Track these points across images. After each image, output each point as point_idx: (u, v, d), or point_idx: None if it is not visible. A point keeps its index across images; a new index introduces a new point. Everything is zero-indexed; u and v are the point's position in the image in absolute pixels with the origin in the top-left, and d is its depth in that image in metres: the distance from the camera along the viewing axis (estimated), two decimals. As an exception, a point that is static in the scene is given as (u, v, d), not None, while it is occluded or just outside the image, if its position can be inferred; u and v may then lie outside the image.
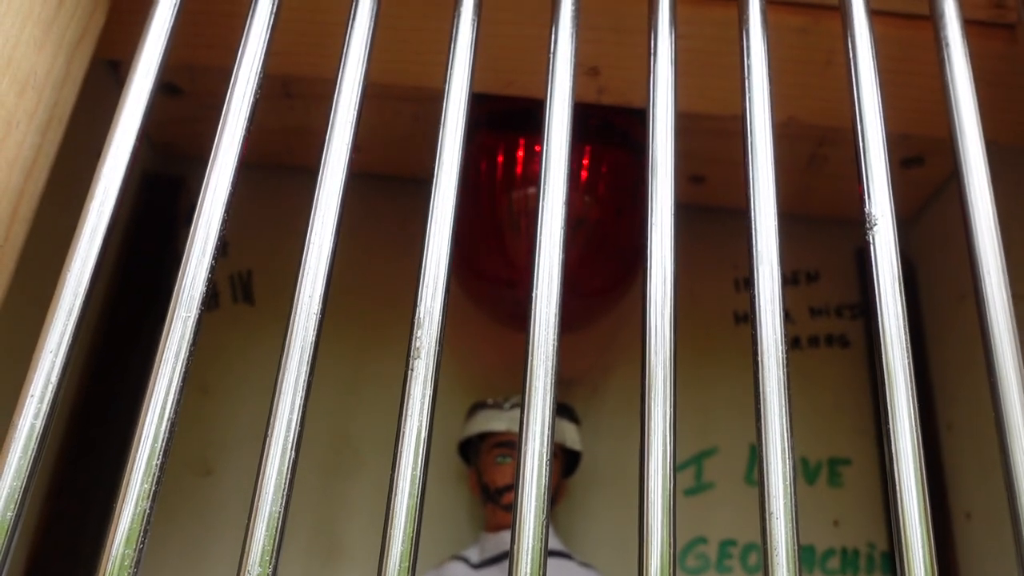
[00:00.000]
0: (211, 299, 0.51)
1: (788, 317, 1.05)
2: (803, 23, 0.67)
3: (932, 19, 0.58)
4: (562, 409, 0.88)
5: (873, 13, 0.65)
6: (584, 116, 0.85)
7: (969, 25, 0.66)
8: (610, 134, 0.84)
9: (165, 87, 0.82)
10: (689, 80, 0.72)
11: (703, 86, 0.72)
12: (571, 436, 0.86)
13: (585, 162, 0.86)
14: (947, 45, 0.57)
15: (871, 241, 0.50)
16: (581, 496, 0.93)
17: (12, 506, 0.38)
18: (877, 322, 0.48)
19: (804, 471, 0.96)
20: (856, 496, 0.96)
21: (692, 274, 0.94)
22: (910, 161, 0.98)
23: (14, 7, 0.48)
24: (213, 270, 0.47)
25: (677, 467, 0.96)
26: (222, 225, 0.49)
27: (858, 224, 1.17)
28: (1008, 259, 0.70)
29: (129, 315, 1.01)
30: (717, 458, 0.97)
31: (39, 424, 0.40)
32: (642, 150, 0.70)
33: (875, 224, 0.50)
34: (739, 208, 0.87)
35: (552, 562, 0.81)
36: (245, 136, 0.50)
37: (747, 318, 1.05)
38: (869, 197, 0.52)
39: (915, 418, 0.44)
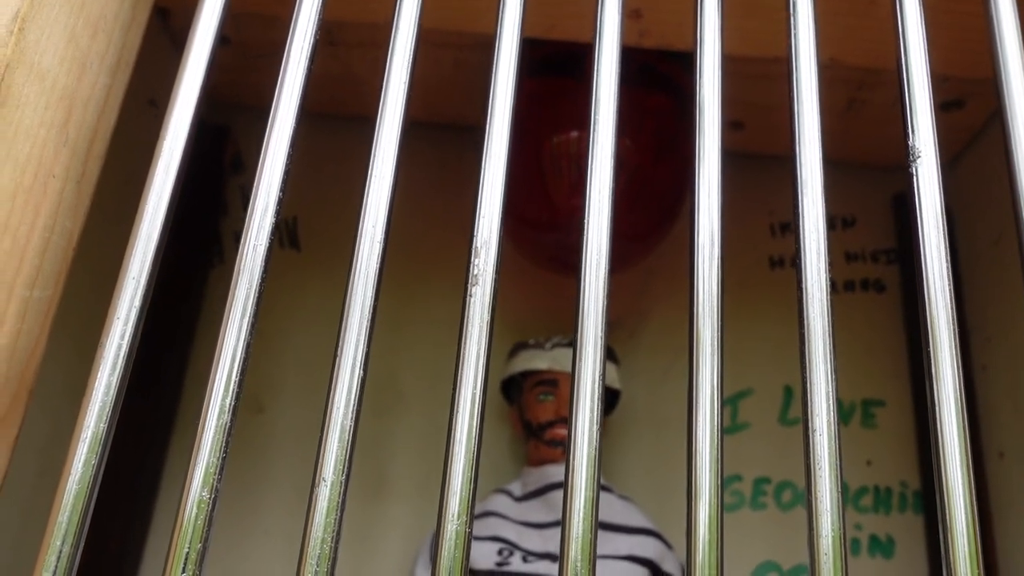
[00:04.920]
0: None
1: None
2: (844, -38, 0.67)
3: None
4: (601, 350, 0.90)
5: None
6: (625, 59, 0.86)
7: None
8: (651, 78, 0.85)
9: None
10: (732, 22, 0.73)
11: (746, 28, 0.73)
12: (611, 375, 0.88)
13: (626, 106, 0.87)
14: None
15: (914, 174, 0.51)
16: (620, 433, 0.96)
17: (104, 418, 0.42)
18: (920, 256, 0.50)
19: (839, 412, 0.98)
20: (889, 436, 0.98)
21: (729, 219, 0.95)
22: (949, 104, 0.98)
23: (86, -49, 0.50)
24: (278, 215, 0.49)
25: (713, 407, 0.98)
26: (285, 172, 0.51)
27: (895, 170, 1.17)
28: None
29: (176, 259, 1.04)
30: (752, 399, 0.99)
31: (125, 344, 0.43)
32: (683, 95, 0.71)
33: (918, 157, 0.51)
34: (777, 154, 0.88)
35: (592, 495, 0.84)
36: (305, 83, 0.52)
37: (783, 263, 1.06)
38: (913, 131, 0.53)
39: (955, 339, 0.46)
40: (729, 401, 0.98)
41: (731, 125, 1.03)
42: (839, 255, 1.07)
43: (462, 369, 0.46)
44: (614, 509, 0.82)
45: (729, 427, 0.97)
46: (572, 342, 0.48)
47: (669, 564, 0.80)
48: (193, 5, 0.68)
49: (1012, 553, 0.87)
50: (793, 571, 0.90)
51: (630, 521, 0.81)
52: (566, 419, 0.52)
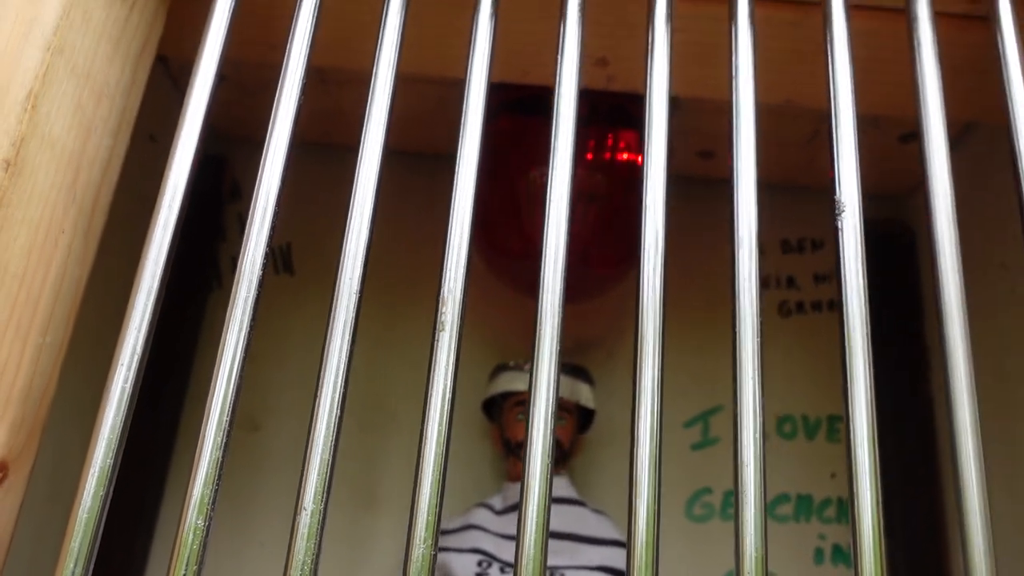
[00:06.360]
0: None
1: (794, 283, 1.12)
2: (794, 18, 0.72)
3: (906, 18, 0.64)
4: (578, 371, 0.96)
5: (857, 8, 0.70)
6: (597, 101, 0.91)
7: (949, 18, 0.72)
8: (620, 117, 0.90)
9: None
10: (689, 69, 0.79)
11: (703, 75, 0.78)
12: (586, 395, 0.93)
13: (597, 143, 0.93)
14: (919, 45, 0.62)
15: (839, 227, 0.57)
16: (597, 450, 1.01)
17: (110, 453, 0.47)
18: (841, 302, 0.55)
19: (804, 427, 1.03)
20: (853, 450, 1.03)
21: (701, 242, 1.01)
22: (907, 136, 1.03)
23: (92, 28, 0.55)
24: (271, 242, 0.55)
25: (685, 423, 1.03)
26: (277, 203, 0.56)
27: (864, 196, 1.21)
28: (989, 224, 0.75)
29: (175, 284, 1.09)
30: (722, 415, 1.04)
31: (128, 387, 0.48)
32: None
33: (843, 211, 0.57)
34: (745, 181, 0.93)
35: (568, 508, 0.89)
36: (295, 123, 0.58)
37: (754, 284, 1.11)
38: (839, 186, 0.58)
39: (871, 394, 0.52)
40: (700, 418, 1.03)
41: (702, 154, 1.08)
42: (808, 276, 1.12)
43: (429, 405, 0.51)
44: (587, 522, 0.88)
45: (700, 442, 1.02)
46: (530, 366, 0.53)
47: (639, 574, 0.85)
48: (188, 53, 0.73)
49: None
50: (760, 579, 0.95)
51: (603, 534, 0.86)
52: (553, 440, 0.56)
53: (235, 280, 0.53)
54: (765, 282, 1.11)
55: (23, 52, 0.49)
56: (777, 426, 1.03)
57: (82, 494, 0.46)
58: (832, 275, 1.13)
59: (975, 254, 0.94)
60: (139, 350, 0.50)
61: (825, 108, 0.82)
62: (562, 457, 0.90)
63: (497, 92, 0.90)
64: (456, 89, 0.90)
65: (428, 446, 0.50)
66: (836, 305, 0.56)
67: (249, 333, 0.52)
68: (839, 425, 1.03)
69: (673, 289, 1.10)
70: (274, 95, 1.08)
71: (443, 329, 0.52)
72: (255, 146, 1.34)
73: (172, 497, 0.98)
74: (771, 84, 0.83)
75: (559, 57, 0.63)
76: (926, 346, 1.02)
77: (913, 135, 1.02)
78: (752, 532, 0.49)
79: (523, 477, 0.49)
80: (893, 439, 1.04)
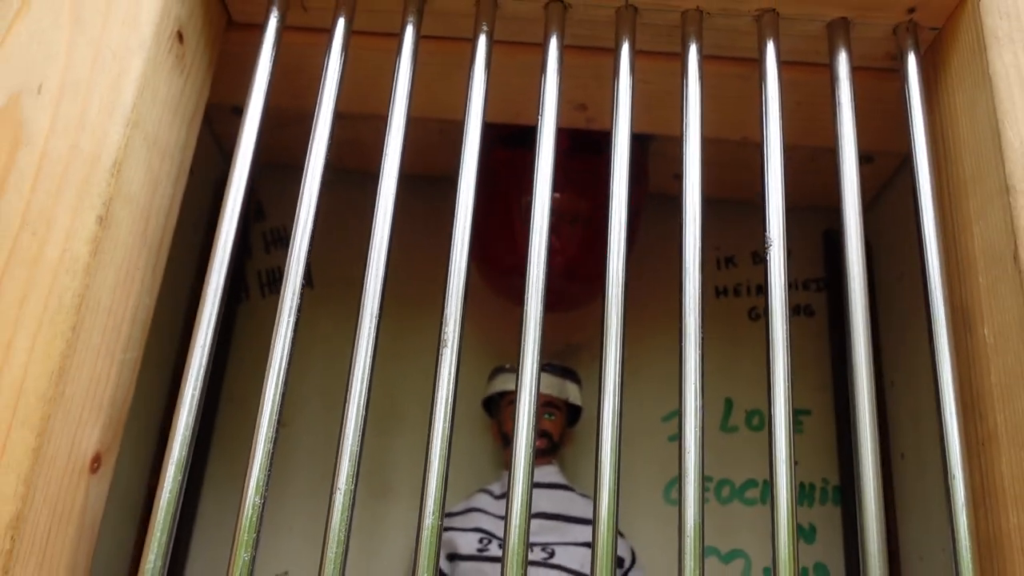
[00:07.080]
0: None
1: (762, 291, 1.24)
2: (741, 72, 0.85)
3: (830, 75, 0.76)
4: (567, 372, 1.08)
5: (800, 64, 0.83)
6: (581, 136, 1.04)
7: (872, 72, 0.84)
8: (599, 150, 1.03)
9: (238, 110, 1.05)
10: (657, 112, 0.91)
11: (668, 116, 0.91)
12: (573, 394, 1.06)
13: (583, 170, 1.05)
14: (840, 105, 0.74)
15: (768, 258, 0.69)
16: (585, 442, 1.14)
17: (186, 448, 0.59)
18: (767, 317, 0.67)
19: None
20: (814, 440, 1.15)
21: (676, 253, 1.14)
22: (861, 159, 1.15)
23: (158, 101, 0.68)
24: (308, 263, 0.67)
25: (663, 418, 1.15)
26: (312, 234, 0.68)
27: (824, 209, 1.35)
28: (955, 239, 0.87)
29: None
30: (697, 410, 1.16)
31: (196, 393, 0.61)
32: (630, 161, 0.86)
33: (771, 244, 0.69)
34: (715, 198, 1.09)
35: (558, 493, 1.02)
36: (327, 158, 0.70)
37: (727, 292, 1.24)
38: (768, 224, 0.70)
39: (788, 395, 0.64)
40: (676, 412, 1.15)
41: (677, 176, 1.20)
42: (775, 284, 1.25)
43: (435, 408, 0.63)
44: (575, 504, 1.00)
45: (676, 434, 1.14)
46: (516, 368, 0.66)
47: (621, 549, 0.98)
48: (220, 97, 0.86)
49: (910, 537, 1.04)
50: (729, 555, 1.08)
51: (588, 514, 0.99)
52: (535, 431, 0.68)
53: (280, 297, 0.66)
54: (736, 291, 1.24)
55: (109, 130, 0.62)
56: (746, 419, 1.15)
57: (165, 480, 0.59)
58: (796, 283, 1.26)
59: (913, 271, 1.06)
60: (204, 362, 0.62)
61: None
62: (553, 448, 1.03)
63: (494, 128, 1.02)
64: (453, 124, 1.04)
65: (434, 442, 0.62)
66: (764, 315, 0.69)
67: (292, 343, 0.65)
68: (802, 418, 1.16)
69: (650, 296, 1.24)
70: (293, 130, 1.23)
71: (446, 345, 0.64)
72: (277, 171, 1.49)
73: (211, 488, 1.11)
74: (728, 123, 0.96)
75: (540, 103, 0.75)
76: (880, 346, 1.14)
77: (868, 158, 1.14)
78: (692, 506, 0.61)
79: (511, 458, 0.62)
80: (850, 431, 1.16)
